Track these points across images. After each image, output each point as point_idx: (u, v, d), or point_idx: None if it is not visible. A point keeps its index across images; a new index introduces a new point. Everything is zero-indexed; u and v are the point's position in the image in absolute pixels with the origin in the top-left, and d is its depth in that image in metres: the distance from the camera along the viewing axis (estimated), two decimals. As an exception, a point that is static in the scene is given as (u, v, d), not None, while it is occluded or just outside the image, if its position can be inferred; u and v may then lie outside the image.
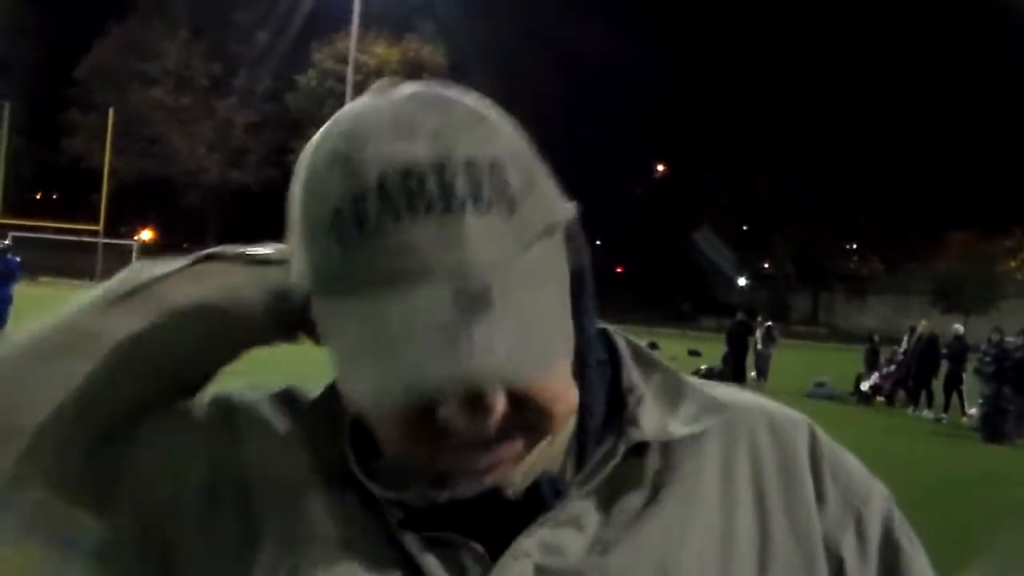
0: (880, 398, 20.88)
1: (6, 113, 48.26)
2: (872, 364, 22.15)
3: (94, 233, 50.80)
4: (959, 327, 20.40)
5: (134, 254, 53.11)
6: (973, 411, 17.83)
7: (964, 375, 19.04)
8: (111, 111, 50.72)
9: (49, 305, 0.85)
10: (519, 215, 0.69)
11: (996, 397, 16.51)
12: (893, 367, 20.96)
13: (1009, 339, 17.74)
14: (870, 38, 60.46)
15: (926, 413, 19.05)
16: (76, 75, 56.38)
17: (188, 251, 0.87)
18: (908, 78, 59.74)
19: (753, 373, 23.54)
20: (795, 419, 0.87)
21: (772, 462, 0.83)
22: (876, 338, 24.17)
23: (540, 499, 0.77)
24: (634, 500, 0.78)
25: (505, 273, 0.67)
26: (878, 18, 59.32)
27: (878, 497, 0.85)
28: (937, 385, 19.50)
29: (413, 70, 53.37)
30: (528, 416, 0.71)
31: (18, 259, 18.00)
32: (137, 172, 55.34)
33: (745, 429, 0.84)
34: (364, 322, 0.67)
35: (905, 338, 21.04)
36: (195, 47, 57.82)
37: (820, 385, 21.53)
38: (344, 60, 55.03)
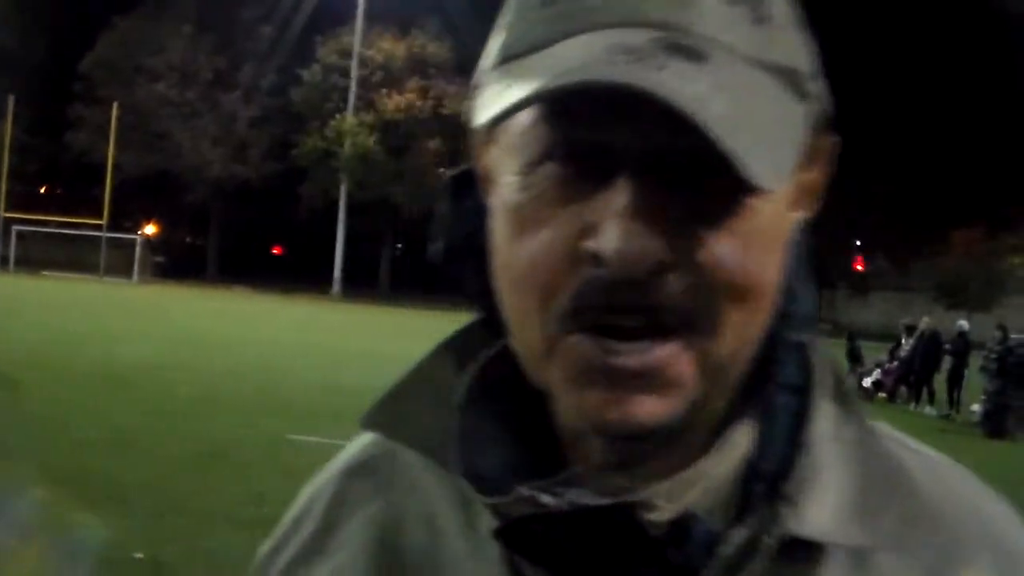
0: (882, 394, 20.89)
1: (10, 107, 48.34)
2: (855, 360, 21.71)
3: (98, 227, 50.96)
4: (963, 323, 20.41)
5: (138, 248, 53.30)
6: (975, 407, 17.86)
7: (966, 371, 19.06)
8: (115, 105, 50.80)
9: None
10: (766, 30, 0.55)
11: (1000, 393, 16.58)
12: (895, 363, 20.96)
13: (1014, 336, 17.83)
14: (873, 33, 60.39)
15: (928, 410, 19.05)
16: (80, 69, 56.28)
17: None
18: (912, 74, 59.70)
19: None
20: None
21: None
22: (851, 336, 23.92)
23: (687, 544, 0.56)
24: None
25: (731, 60, 0.52)
26: (880, 15, 59.27)
27: None
28: (940, 382, 19.51)
29: (419, 66, 53.34)
30: (694, 305, 0.53)
31: None
32: (141, 166, 55.26)
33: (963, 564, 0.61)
34: (545, 66, 0.51)
35: (902, 337, 20.98)
36: (200, 41, 57.70)
37: (823, 381, 21.46)
38: (348, 55, 55.12)
